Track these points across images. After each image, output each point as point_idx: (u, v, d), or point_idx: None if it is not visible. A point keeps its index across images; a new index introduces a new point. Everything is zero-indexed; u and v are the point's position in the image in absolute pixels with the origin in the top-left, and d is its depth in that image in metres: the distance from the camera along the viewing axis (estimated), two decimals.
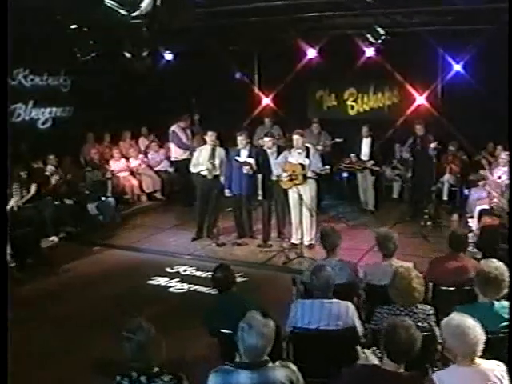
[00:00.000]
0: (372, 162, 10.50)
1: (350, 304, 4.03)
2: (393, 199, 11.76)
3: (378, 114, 12.53)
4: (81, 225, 9.65)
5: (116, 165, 11.77)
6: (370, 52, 11.05)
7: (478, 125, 10.73)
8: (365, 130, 10.61)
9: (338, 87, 12.96)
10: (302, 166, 8.19)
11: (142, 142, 13.12)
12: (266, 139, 8.74)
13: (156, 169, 12.50)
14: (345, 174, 11.32)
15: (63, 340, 5.76)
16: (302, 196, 8.08)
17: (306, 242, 8.50)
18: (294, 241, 8.67)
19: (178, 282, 7.35)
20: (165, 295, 6.97)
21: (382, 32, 8.86)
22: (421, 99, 11.38)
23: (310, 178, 8.23)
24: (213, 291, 7.00)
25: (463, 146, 11.40)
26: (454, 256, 4.97)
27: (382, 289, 4.81)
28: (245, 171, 8.53)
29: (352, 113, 12.92)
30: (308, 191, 8.28)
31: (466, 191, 11.15)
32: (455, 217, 10.54)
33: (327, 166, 8.27)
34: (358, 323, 4.03)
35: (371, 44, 10.21)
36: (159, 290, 7.12)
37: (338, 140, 11.02)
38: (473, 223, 9.46)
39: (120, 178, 11.58)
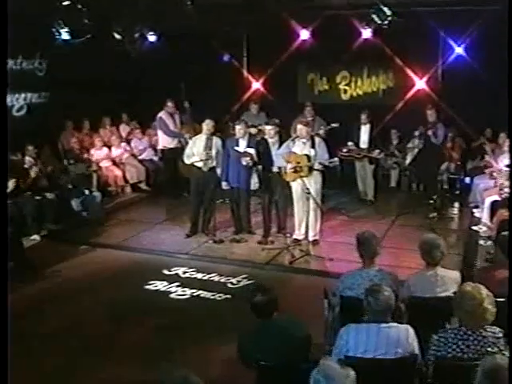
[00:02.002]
0: (378, 151, 9.96)
1: (409, 328, 3.47)
2: (390, 188, 11.29)
3: (373, 99, 11.99)
4: (64, 221, 8.92)
5: (97, 154, 11.01)
6: (367, 34, 10.49)
7: (481, 110, 10.31)
8: (363, 116, 10.10)
9: (329, 70, 12.35)
10: (308, 157, 7.61)
11: (123, 129, 12.35)
12: (268, 127, 8.09)
13: (140, 158, 11.77)
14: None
15: (56, 363, 5.06)
16: (307, 189, 7.49)
17: (310, 238, 7.96)
18: (296, 236, 8.11)
19: (178, 286, 6.66)
20: (166, 303, 6.29)
21: (388, 12, 8.26)
22: (420, 83, 10.87)
23: (317, 170, 7.65)
24: (218, 297, 6.47)
25: (461, 132, 10.97)
26: (505, 264, 4.46)
27: (426, 301, 4.33)
28: (244, 163, 7.92)
29: (345, 97, 12.34)
30: (313, 184, 7.70)
31: (466, 179, 10.77)
32: (456, 206, 10.15)
33: (336, 158, 7.71)
34: (417, 350, 3.48)
35: (369, 25, 9.68)
36: (159, 297, 6.43)
37: (333, 125, 10.43)
38: (480, 214, 9.07)
39: (103, 169, 10.83)
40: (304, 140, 7.68)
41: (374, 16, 8.44)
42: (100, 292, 6.50)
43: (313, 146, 7.68)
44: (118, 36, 6.67)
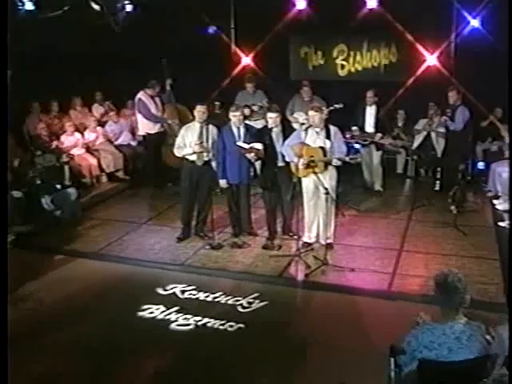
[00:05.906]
0: (380, 135, 8.95)
1: None
2: (397, 174, 10.31)
3: (373, 75, 10.92)
4: (34, 223, 7.70)
5: (69, 140, 9.71)
6: (372, 3, 9.45)
7: (496, 88, 9.30)
8: (369, 95, 9.08)
9: (325, 43, 11.22)
10: (323, 150, 6.51)
11: (97, 110, 11.03)
12: (273, 115, 6.90)
13: (116, 143, 10.51)
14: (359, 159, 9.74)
15: None
16: (326, 189, 6.37)
17: (323, 241, 6.93)
18: (306, 239, 7.07)
19: (179, 312, 5.48)
20: (167, 337, 5.12)
21: None
22: (431, 59, 9.78)
23: (334, 165, 6.57)
24: (228, 326, 5.34)
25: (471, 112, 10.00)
26: None
27: None
28: (249, 157, 6.82)
29: (342, 73, 11.23)
30: (328, 180, 6.63)
31: (479, 164, 9.89)
32: (470, 195, 9.25)
33: (358, 154, 6.65)
34: None
35: None
36: (157, 329, 5.24)
37: (336, 106, 9.21)
38: (504, 206, 8.21)
39: (75, 157, 9.56)
40: (317, 129, 6.59)
41: None
42: (83, 323, 5.30)
43: (327, 137, 6.58)
44: (96, 6, 5.41)
